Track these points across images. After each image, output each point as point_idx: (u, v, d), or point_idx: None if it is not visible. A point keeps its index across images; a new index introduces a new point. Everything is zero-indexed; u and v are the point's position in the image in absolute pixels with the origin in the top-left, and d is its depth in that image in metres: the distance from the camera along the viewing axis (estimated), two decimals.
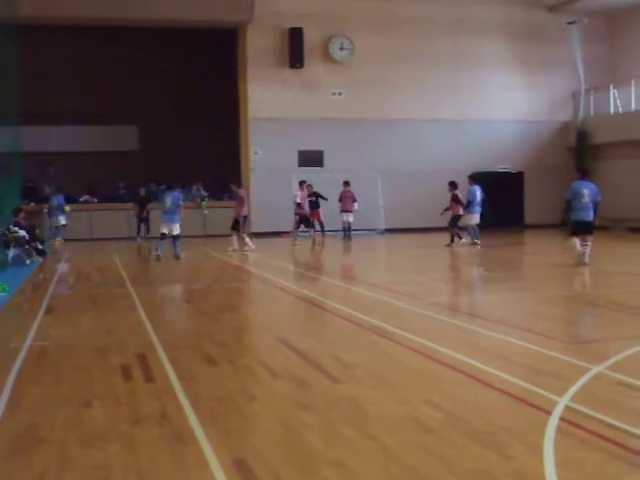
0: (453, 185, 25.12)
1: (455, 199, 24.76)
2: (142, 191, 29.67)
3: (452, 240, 24.24)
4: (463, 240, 24.33)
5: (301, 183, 27.04)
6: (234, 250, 22.83)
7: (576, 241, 17.08)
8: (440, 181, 31.26)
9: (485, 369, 7.54)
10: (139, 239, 28.89)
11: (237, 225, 23.26)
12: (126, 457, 5.31)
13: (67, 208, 28.26)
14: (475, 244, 23.75)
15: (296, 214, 26.70)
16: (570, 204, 17.17)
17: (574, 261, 17.01)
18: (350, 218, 28.11)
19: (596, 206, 17.14)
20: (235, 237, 23.23)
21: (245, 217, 23.50)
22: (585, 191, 17.02)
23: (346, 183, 27.98)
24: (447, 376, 7.49)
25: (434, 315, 11.12)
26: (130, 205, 29.86)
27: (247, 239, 23.26)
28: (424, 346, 8.77)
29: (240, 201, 23.29)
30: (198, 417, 6.11)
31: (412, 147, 32.61)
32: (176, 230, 21.12)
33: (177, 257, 20.94)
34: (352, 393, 6.83)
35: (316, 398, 6.76)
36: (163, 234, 21.18)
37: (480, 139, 33.33)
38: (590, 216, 17.07)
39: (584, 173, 17.87)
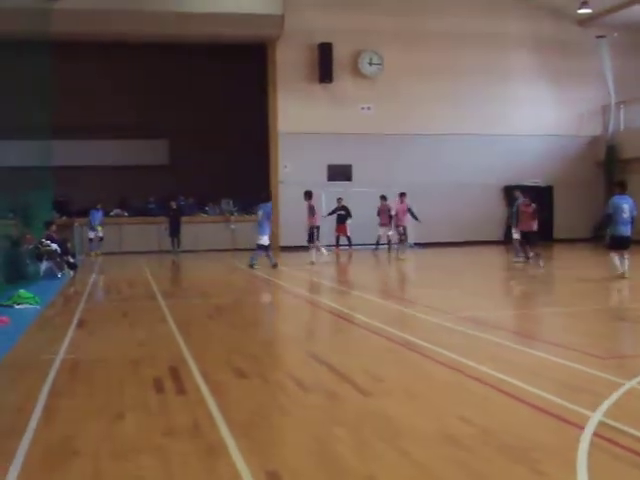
0: (529, 195, 22.42)
1: (534, 211, 21.85)
2: (173, 205, 29.87)
3: (527, 257, 21.78)
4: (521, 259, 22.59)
5: (401, 195, 26.61)
6: (312, 263, 22.92)
7: (615, 257, 17.24)
8: (469, 195, 31.36)
9: (516, 384, 7.51)
10: (173, 253, 29.08)
11: (311, 237, 23.95)
12: (159, 469, 5.33)
13: (99, 228, 28.91)
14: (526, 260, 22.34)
15: (397, 227, 26.63)
16: (611, 219, 17.25)
17: (611, 274, 17.24)
18: (389, 232, 28.17)
19: (633, 220, 17.27)
20: (314, 249, 23.81)
21: (317, 227, 24.16)
22: (625, 206, 17.06)
23: (383, 197, 27.92)
24: (478, 391, 7.47)
25: (465, 330, 11.08)
26: (161, 219, 30.14)
27: (322, 249, 24.25)
28: (454, 360, 8.74)
29: (311, 212, 23.98)
30: (230, 430, 6.13)
31: (441, 161, 32.59)
32: (263, 241, 21.78)
33: (274, 265, 21.69)
34: (383, 407, 6.83)
35: (347, 412, 6.76)
36: (259, 245, 21.97)
37: (509, 153, 33.24)
38: (629, 231, 17.17)
39: (623, 187, 17.64)
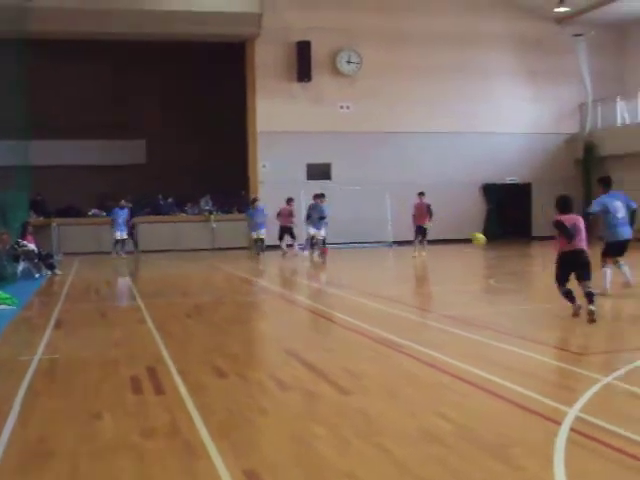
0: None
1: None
2: (123, 203, 29.33)
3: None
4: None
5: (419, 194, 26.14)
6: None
7: (608, 273, 14.06)
8: (448, 193, 31.38)
9: (495, 380, 7.53)
10: (115, 254, 28.26)
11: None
12: (137, 469, 5.31)
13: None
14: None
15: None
16: (600, 220, 14.02)
17: (600, 291, 13.31)
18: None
19: (634, 217, 14.12)
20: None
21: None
22: (618, 203, 13.91)
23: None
24: (457, 388, 7.48)
25: (444, 327, 11.12)
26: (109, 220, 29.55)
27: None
28: (433, 358, 8.76)
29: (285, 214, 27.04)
30: (208, 429, 6.11)
31: (420, 160, 32.63)
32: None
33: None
34: (362, 405, 6.83)
35: (326, 410, 6.76)
36: None
37: (488, 151, 33.35)
38: (629, 233, 14.01)
39: (609, 183, 14.28)
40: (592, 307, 11.27)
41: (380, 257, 27.62)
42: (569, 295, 11.80)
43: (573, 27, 33.57)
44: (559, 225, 11.97)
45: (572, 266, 11.86)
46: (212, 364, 8.72)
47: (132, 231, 29.39)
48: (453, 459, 5.37)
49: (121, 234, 28.26)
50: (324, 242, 25.01)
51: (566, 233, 11.74)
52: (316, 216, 24.90)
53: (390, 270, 24.02)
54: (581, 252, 11.78)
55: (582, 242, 11.83)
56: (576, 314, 11.53)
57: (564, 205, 12.19)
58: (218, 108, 33.41)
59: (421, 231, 25.51)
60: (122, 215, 28.44)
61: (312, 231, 24.95)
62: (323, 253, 24.56)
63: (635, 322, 11.80)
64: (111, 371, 8.50)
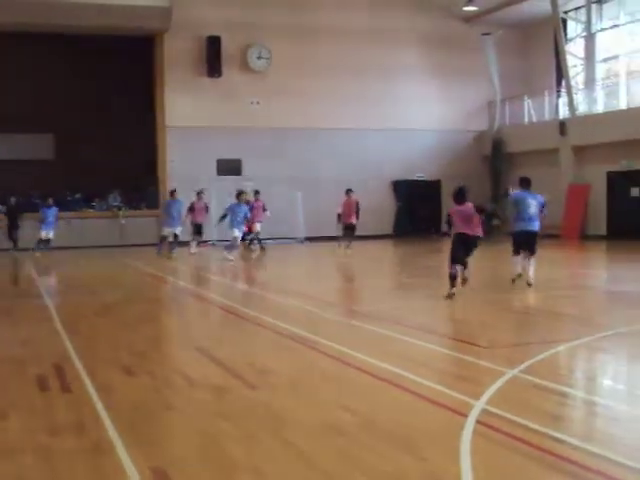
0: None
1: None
2: (12, 201, 28.67)
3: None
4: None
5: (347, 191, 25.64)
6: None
7: (518, 260, 14.96)
8: (357, 190, 31.45)
9: (402, 374, 7.62)
10: (12, 251, 27.68)
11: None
12: (43, 469, 5.23)
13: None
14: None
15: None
16: (513, 214, 15.03)
17: (514, 277, 14.92)
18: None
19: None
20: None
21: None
22: (531, 201, 14.74)
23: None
24: (364, 382, 7.56)
25: (352, 322, 11.21)
26: (1, 216, 29.00)
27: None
28: (341, 352, 8.82)
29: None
30: (116, 427, 6.05)
31: (330, 156, 32.79)
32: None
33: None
34: (269, 400, 6.85)
35: (234, 406, 6.75)
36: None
37: (398, 148, 33.70)
38: (536, 227, 14.83)
39: (528, 183, 15.10)
40: (452, 291, 13.13)
41: (292, 253, 27.66)
42: (453, 278, 13.16)
43: (481, 26, 34.17)
44: (448, 217, 13.51)
45: (463, 246, 13.29)
46: (120, 362, 8.62)
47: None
48: (358, 451, 5.43)
49: (47, 233, 27.31)
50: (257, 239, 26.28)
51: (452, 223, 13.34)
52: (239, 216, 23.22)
53: (301, 266, 24.06)
54: (472, 236, 13.22)
55: (474, 229, 13.21)
56: (449, 297, 13.04)
57: (458, 196, 13.30)
58: (127, 102, 32.94)
59: (350, 228, 25.25)
60: (50, 214, 27.51)
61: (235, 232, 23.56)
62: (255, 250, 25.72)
63: (540, 316, 12.08)
64: (16, 369, 8.34)
